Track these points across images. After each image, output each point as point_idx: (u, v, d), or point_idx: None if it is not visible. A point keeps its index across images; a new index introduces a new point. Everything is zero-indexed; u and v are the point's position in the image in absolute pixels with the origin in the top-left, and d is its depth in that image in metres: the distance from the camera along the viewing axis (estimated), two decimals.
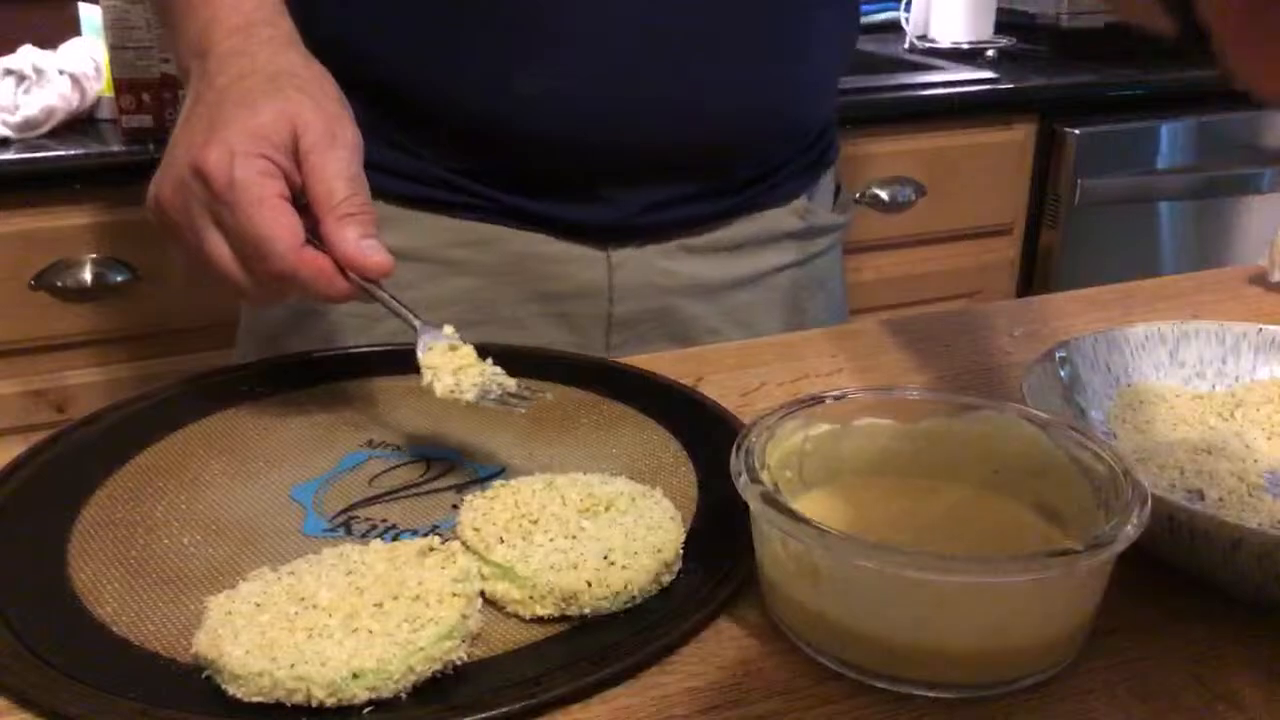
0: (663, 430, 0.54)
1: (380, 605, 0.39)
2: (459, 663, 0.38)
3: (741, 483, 0.40)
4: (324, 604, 0.39)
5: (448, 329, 0.52)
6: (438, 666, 0.38)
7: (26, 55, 1.19)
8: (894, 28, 1.80)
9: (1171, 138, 1.58)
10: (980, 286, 1.55)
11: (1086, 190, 1.50)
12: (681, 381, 0.59)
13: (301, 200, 0.51)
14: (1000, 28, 1.75)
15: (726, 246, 0.75)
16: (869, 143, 1.46)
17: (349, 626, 0.38)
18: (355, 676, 0.36)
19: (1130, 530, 0.37)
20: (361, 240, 0.49)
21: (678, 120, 0.67)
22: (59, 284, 1.15)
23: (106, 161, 1.14)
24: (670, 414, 0.55)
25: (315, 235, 0.50)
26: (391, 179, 0.67)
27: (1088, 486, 0.42)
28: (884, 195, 1.48)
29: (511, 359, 0.53)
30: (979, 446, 0.45)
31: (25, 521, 0.47)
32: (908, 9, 1.74)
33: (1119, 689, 0.38)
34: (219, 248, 0.50)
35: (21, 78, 1.17)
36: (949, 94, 1.48)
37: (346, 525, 0.47)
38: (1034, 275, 1.58)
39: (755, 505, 0.39)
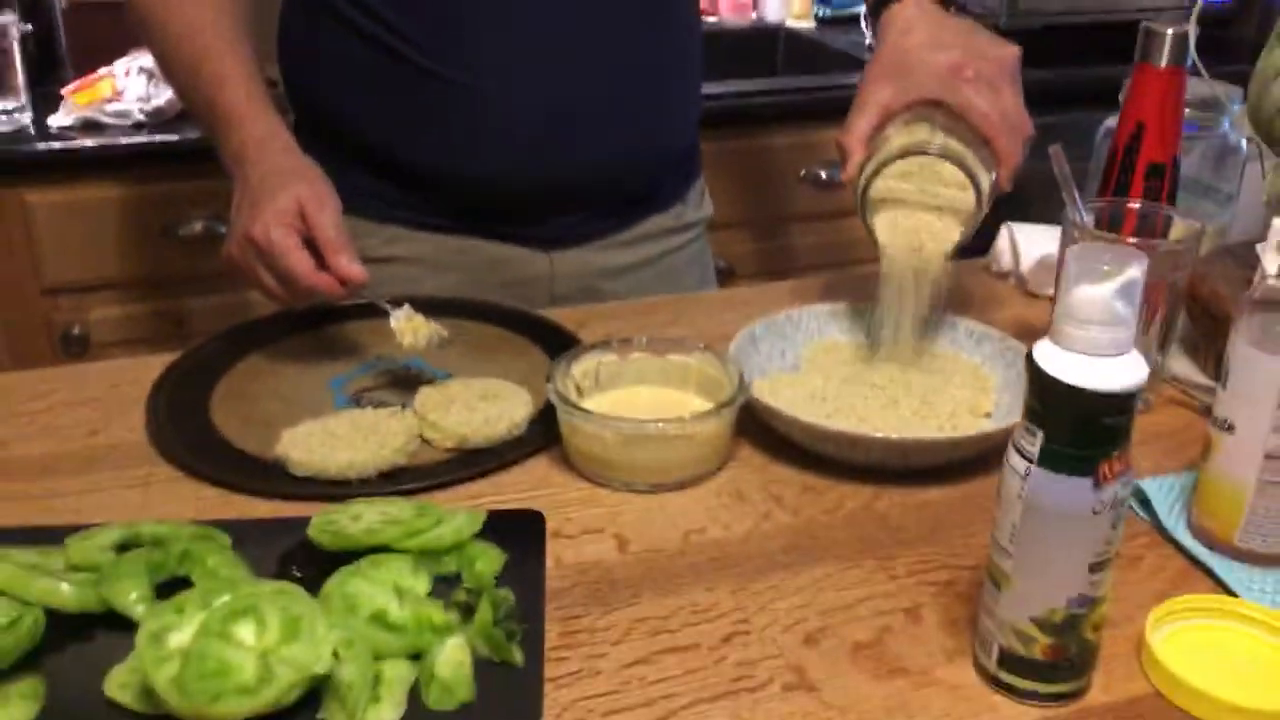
0: (542, 353, 0.92)
1: (366, 437, 0.78)
2: (402, 464, 0.77)
3: (549, 386, 0.78)
4: (340, 434, 0.78)
5: (407, 307, 0.88)
6: (391, 465, 0.77)
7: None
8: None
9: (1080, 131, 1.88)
10: None
11: None
12: (566, 326, 0.97)
13: (311, 243, 0.86)
14: None
15: (629, 242, 1.13)
16: (811, 132, 1.80)
17: (351, 444, 0.77)
18: (351, 465, 0.75)
19: (731, 409, 0.75)
20: (349, 264, 0.84)
21: (587, 169, 1.05)
22: (179, 233, 1.56)
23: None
24: (550, 344, 0.93)
25: (321, 263, 0.85)
26: (397, 210, 1.05)
27: (727, 389, 0.79)
28: (823, 174, 1.82)
29: (470, 310, 0.90)
30: (694, 369, 0.83)
31: (186, 389, 0.87)
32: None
33: (726, 492, 0.76)
34: (269, 280, 0.86)
35: (152, 74, 1.56)
36: None
37: (358, 400, 0.86)
38: None
39: (551, 396, 0.77)
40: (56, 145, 1.51)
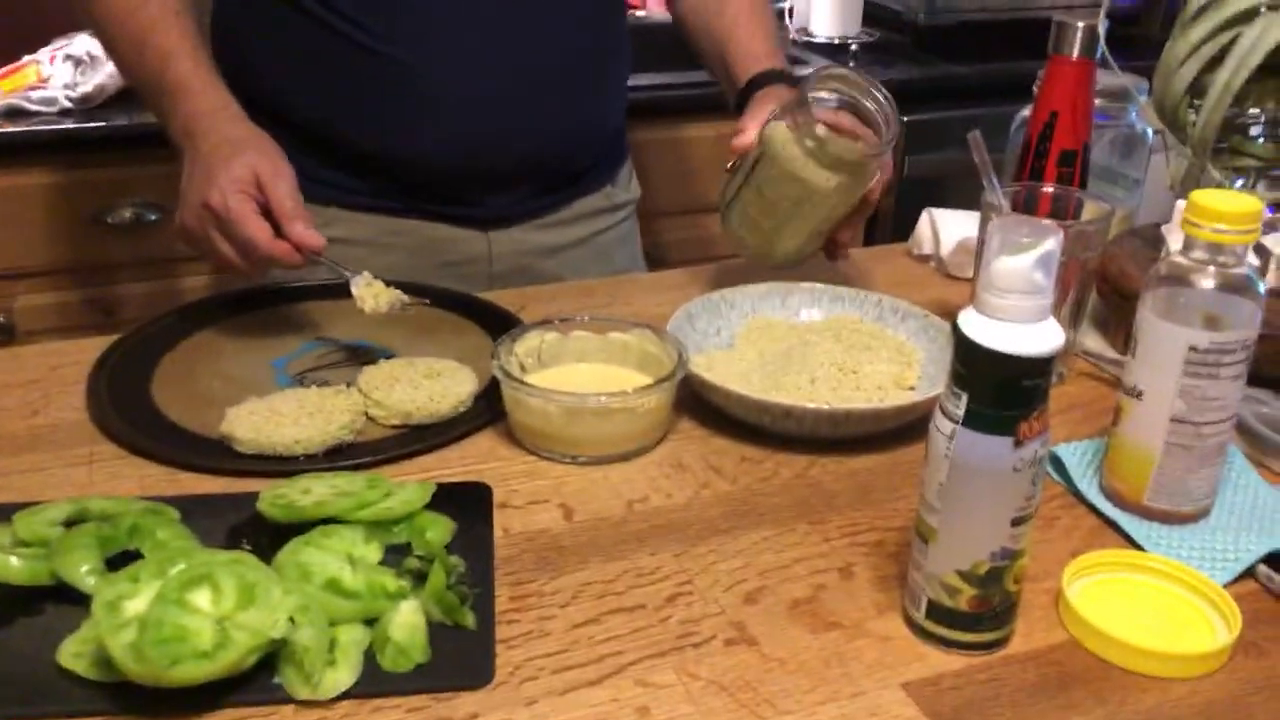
0: (484, 334, 0.94)
1: (312, 415, 0.79)
2: (349, 441, 0.79)
3: (494, 362, 0.80)
4: (285, 412, 0.79)
5: (366, 274, 0.91)
6: (337, 441, 0.78)
7: (82, 43, 1.55)
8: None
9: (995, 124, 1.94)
10: None
11: (913, 165, 1.88)
12: (506, 307, 0.99)
13: (267, 211, 0.86)
14: (870, 20, 2.10)
15: (563, 222, 1.15)
16: (721, 128, 1.83)
17: (296, 421, 0.78)
18: (297, 442, 0.76)
19: (671, 383, 0.78)
20: (305, 230, 0.86)
21: (522, 151, 1.07)
22: (108, 220, 1.53)
23: (144, 129, 1.51)
24: (490, 324, 0.95)
25: (278, 231, 0.86)
26: (338, 192, 1.06)
27: (666, 365, 0.81)
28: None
29: (411, 291, 0.92)
30: (634, 347, 0.86)
31: (126, 371, 0.87)
32: (793, 4, 2.10)
33: (667, 463, 0.79)
34: (226, 248, 0.86)
35: (79, 61, 1.54)
36: None
37: (301, 380, 0.87)
38: (875, 229, 1.96)
39: (496, 372, 0.79)
40: None
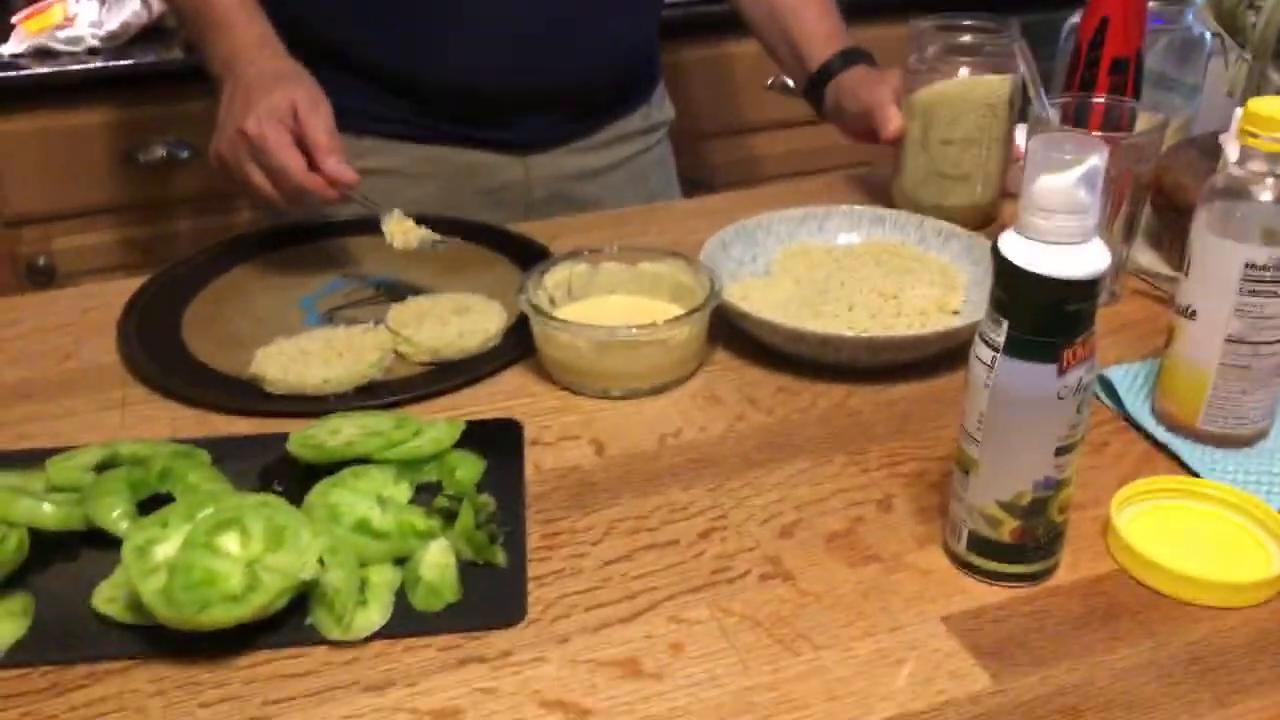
0: (514, 267, 0.92)
1: (341, 354, 0.78)
2: (377, 379, 0.78)
3: (522, 296, 0.78)
4: (314, 352, 0.78)
5: (398, 211, 0.89)
6: (366, 380, 0.77)
7: None
8: None
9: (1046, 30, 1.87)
10: (871, 158, 1.88)
11: None
12: (538, 238, 0.97)
13: (302, 144, 0.86)
14: None
15: (600, 145, 1.13)
16: None
17: (325, 361, 0.77)
18: (326, 381, 0.76)
19: (703, 314, 0.76)
20: (339, 165, 0.85)
21: (558, 74, 1.05)
22: (140, 159, 1.53)
23: (174, 66, 1.50)
24: (519, 257, 0.93)
25: (312, 165, 0.85)
26: (375, 122, 1.05)
27: (699, 296, 0.79)
28: (790, 82, 1.80)
29: (438, 226, 0.90)
30: (666, 277, 0.84)
31: (155, 313, 0.86)
32: None
33: (701, 395, 0.77)
34: (259, 177, 0.86)
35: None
36: None
37: (330, 317, 0.86)
38: None
39: (524, 307, 0.78)
40: (9, 74, 1.47)
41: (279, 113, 0.85)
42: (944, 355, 0.79)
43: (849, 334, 0.77)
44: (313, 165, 0.85)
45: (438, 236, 0.88)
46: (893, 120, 0.97)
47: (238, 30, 0.92)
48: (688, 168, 1.27)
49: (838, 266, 0.89)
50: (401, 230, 0.87)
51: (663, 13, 1.19)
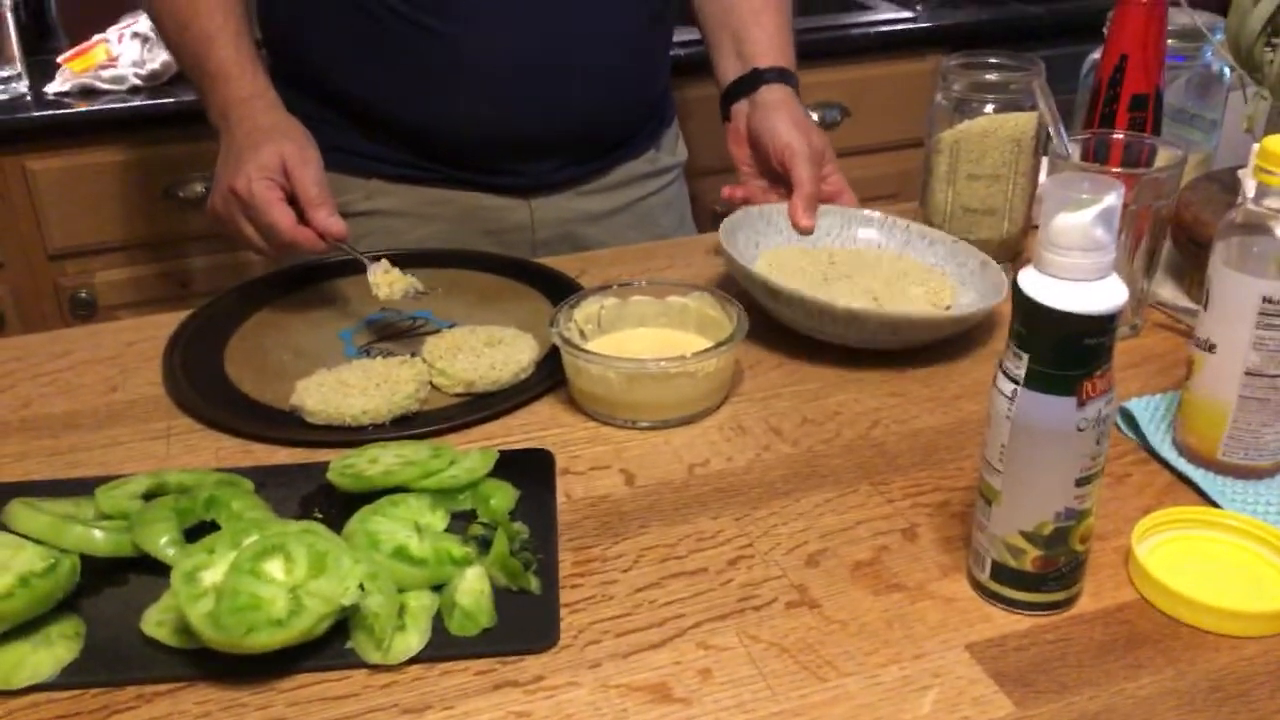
0: (545, 301, 0.95)
1: (379, 386, 0.80)
2: (414, 410, 0.80)
3: (552, 330, 0.81)
4: (353, 383, 0.81)
5: (383, 261, 0.90)
6: (403, 411, 0.79)
7: (148, 20, 1.58)
8: None
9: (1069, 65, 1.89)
10: (897, 190, 1.90)
11: None
12: (565, 272, 0.99)
13: (293, 198, 0.88)
14: None
15: (605, 189, 1.15)
16: (802, 74, 1.80)
17: (364, 392, 0.79)
18: (365, 412, 0.78)
19: (730, 346, 0.78)
20: (328, 218, 0.87)
21: (564, 121, 1.07)
22: (179, 195, 1.57)
23: None
24: (550, 290, 0.96)
25: (303, 218, 0.88)
26: (379, 163, 1.07)
27: (726, 328, 0.81)
28: (814, 116, 1.83)
29: (471, 260, 0.92)
30: (693, 310, 0.86)
31: (199, 347, 0.89)
32: None
33: (728, 426, 0.79)
34: (250, 232, 0.89)
35: (146, 39, 1.57)
36: (868, 33, 1.82)
37: (368, 350, 0.89)
38: None
39: (555, 340, 0.80)
40: (55, 112, 1.52)
41: (268, 170, 0.87)
42: (959, 337, 0.80)
43: (875, 310, 0.82)
44: (303, 217, 0.88)
45: (420, 286, 0.90)
46: (802, 221, 0.97)
47: (233, 84, 0.94)
48: (701, 205, 1.29)
49: (823, 279, 0.91)
50: (387, 281, 0.89)
51: (686, 50, 1.21)
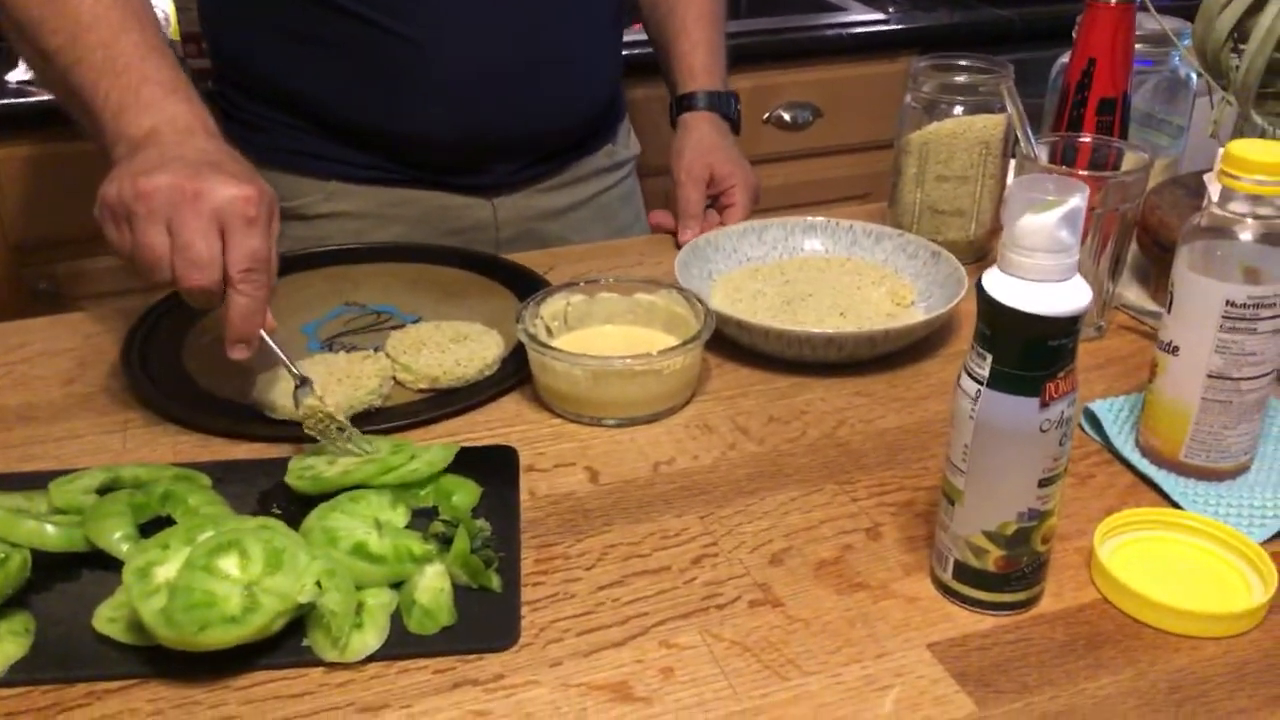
0: (512, 297, 0.94)
1: (340, 381, 0.80)
2: (376, 406, 0.79)
3: (519, 326, 0.80)
4: (315, 378, 0.79)
5: (315, 389, 0.73)
6: (365, 406, 0.78)
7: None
8: None
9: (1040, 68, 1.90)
10: (868, 190, 1.91)
11: None
12: (534, 268, 0.98)
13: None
14: None
15: (565, 184, 1.15)
16: (774, 75, 1.81)
17: (325, 387, 0.78)
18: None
19: (697, 344, 0.77)
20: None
21: (525, 123, 1.06)
22: None
23: None
24: (517, 286, 0.95)
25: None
26: (340, 165, 1.06)
27: (693, 326, 0.81)
28: (786, 116, 1.83)
29: (437, 255, 0.91)
30: (660, 308, 0.85)
31: (158, 340, 0.88)
32: None
33: (694, 424, 0.78)
34: (159, 240, 0.74)
35: None
36: (840, 34, 1.82)
37: (330, 345, 0.88)
38: None
39: (521, 336, 0.79)
40: (17, 100, 1.49)
41: (239, 202, 0.71)
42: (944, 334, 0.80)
43: (850, 330, 0.82)
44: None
45: (348, 429, 0.72)
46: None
47: (167, 120, 0.77)
48: (656, 204, 1.29)
49: (783, 300, 0.91)
50: (314, 416, 0.72)
51: (629, 52, 1.23)
